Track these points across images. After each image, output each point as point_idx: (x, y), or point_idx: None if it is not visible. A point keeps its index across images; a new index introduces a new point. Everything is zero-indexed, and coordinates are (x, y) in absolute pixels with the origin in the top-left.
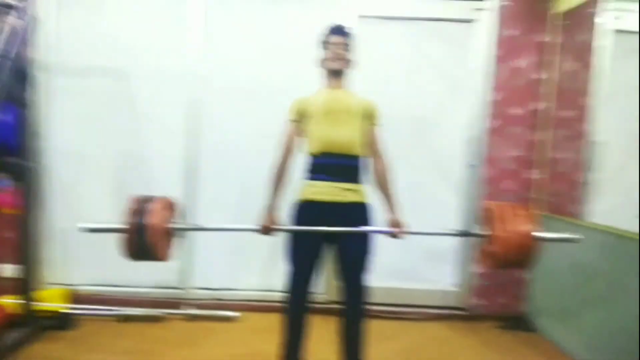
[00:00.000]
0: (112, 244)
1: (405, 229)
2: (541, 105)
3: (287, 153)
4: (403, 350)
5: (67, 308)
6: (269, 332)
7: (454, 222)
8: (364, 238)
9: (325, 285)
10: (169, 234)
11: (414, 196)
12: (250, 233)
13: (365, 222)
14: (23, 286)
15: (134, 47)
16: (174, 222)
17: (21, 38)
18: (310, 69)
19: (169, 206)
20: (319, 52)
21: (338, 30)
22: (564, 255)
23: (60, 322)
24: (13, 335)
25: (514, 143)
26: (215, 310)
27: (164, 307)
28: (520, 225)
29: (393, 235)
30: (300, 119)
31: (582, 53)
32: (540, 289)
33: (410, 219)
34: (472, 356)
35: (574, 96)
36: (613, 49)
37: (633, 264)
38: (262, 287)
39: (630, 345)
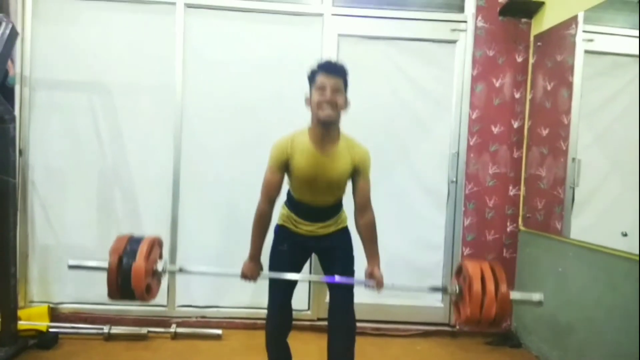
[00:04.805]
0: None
1: (383, 284)
2: (521, 123)
3: (269, 202)
4: None
5: (49, 326)
6: (252, 349)
7: (437, 238)
8: (347, 257)
9: (312, 302)
10: (155, 276)
11: (397, 212)
12: (236, 249)
13: (345, 243)
14: (4, 304)
15: (114, 62)
16: (160, 263)
17: (1, 51)
18: (289, 87)
19: (156, 246)
20: (307, 91)
21: (329, 69)
22: (547, 271)
23: (42, 341)
24: None
25: (495, 160)
26: (200, 328)
27: (148, 325)
28: (493, 288)
29: (371, 287)
30: (282, 168)
31: (559, 73)
32: (525, 304)
33: (394, 236)
34: None
35: (552, 114)
36: (586, 69)
37: (616, 280)
38: (246, 305)
39: None
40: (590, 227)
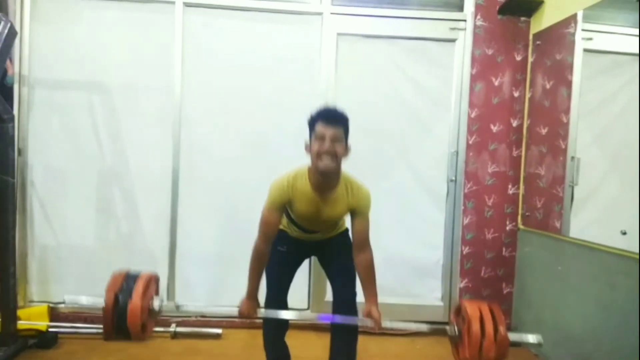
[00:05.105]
0: (95, 261)
1: (381, 323)
2: (520, 122)
3: (267, 241)
4: None
5: (49, 326)
6: (252, 349)
7: (437, 237)
8: (346, 254)
9: (312, 301)
10: (151, 314)
11: (396, 211)
12: (235, 249)
13: (344, 242)
14: (4, 304)
15: (113, 61)
16: (156, 300)
17: (0, 51)
18: (289, 87)
19: (152, 283)
20: (307, 138)
21: (328, 118)
22: (546, 269)
23: (42, 341)
24: None
25: (494, 159)
26: (200, 327)
27: None
28: (492, 330)
29: (369, 326)
30: (282, 209)
31: (558, 71)
32: (524, 303)
33: (393, 234)
34: None
35: (552, 113)
36: (585, 68)
37: (615, 279)
38: None
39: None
40: (589, 225)
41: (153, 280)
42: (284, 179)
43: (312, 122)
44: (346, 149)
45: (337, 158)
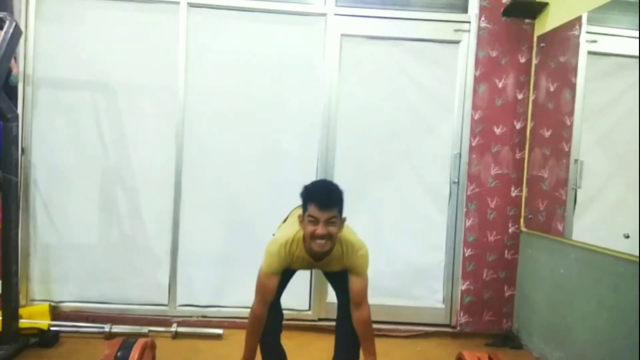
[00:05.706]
0: (97, 261)
1: None
2: (523, 124)
3: (265, 305)
4: None
5: (51, 325)
6: None
7: (439, 239)
8: None
9: (313, 302)
10: None
11: (399, 213)
12: (236, 249)
13: None
14: (6, 302)
15: (117, 61)
16: None
17: (5, 50)
18: (292, 87)
19: (148, 350)
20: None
21: (321, 204)
22: (548, 272)
23: (44, 340)
24: None
25: (497, 161)
26: (201, 327)
27: (149, 324)
28: None
29: None
30: (280, 274)
31: (562, 74)
32: (526, 305)
33: (395, 236)
34: None
35: (555, 115)
36: (589, 70)
37: (617, 282)
38: (247, 304)
39: None
40: (592, 228)
41: (149, 348)
42: (281, 247)
43: (305, 201)
44: (341, 224)
45: (331, 239)
